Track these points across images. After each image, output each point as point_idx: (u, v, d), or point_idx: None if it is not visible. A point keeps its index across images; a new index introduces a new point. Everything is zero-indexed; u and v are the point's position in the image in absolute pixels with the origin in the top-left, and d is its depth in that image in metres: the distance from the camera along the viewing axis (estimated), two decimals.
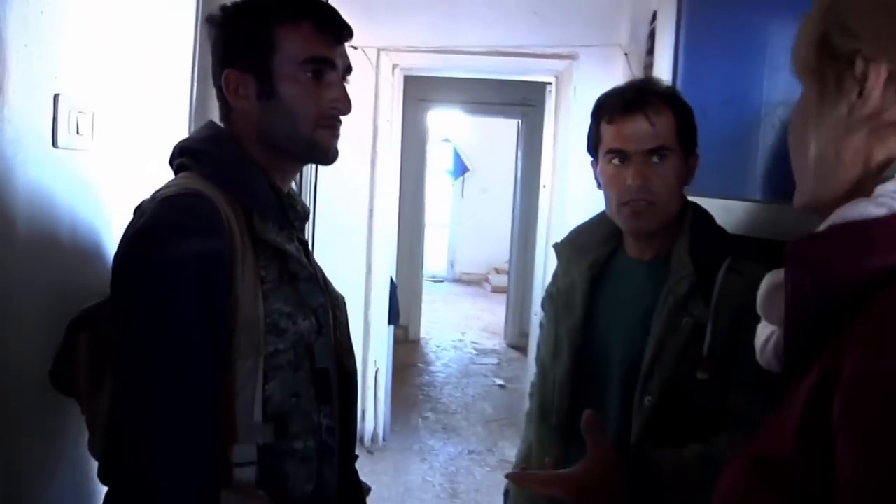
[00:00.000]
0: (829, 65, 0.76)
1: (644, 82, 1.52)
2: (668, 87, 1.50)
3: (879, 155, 0.73)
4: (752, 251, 1.40)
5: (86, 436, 1.32)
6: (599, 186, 1.53)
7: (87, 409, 1.29)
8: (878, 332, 0.63)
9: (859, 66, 0.72)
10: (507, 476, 1.36)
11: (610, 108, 1.46)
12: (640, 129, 1.41)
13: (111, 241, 1.55)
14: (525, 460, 1.70)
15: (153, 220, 1.11)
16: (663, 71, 2.02)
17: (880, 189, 0.70)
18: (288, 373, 1.20)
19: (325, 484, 1.26)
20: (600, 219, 1.60)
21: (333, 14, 1.26)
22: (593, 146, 1.52)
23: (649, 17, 3.11)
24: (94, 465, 1.36)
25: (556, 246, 1.67)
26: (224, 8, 1.26)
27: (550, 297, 1.63)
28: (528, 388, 2.03)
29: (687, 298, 1.37)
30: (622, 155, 1.44)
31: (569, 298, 1.56)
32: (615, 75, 3.86)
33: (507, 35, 4.01)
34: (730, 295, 1.33)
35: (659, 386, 1.37)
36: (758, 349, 0.86)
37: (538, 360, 1.69)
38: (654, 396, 1.37)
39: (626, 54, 3.87)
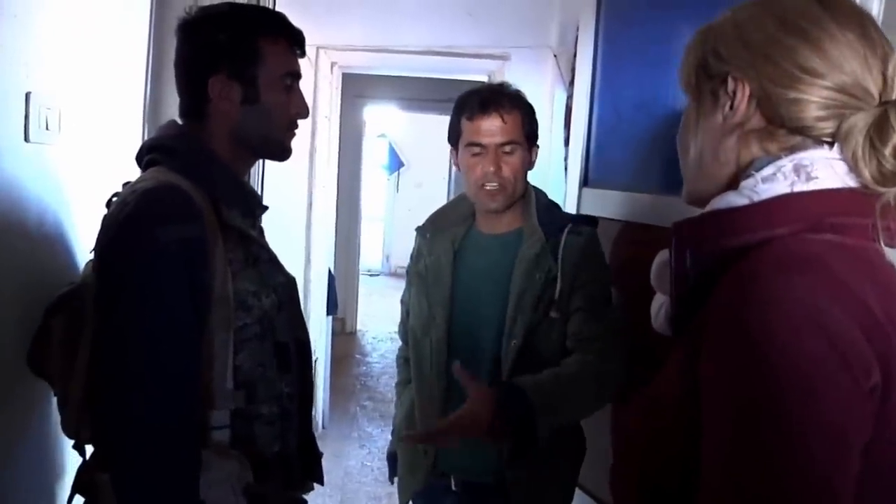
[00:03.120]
0: (707, 82, 0.93)
1: (498, 86, 1.82)
2: (516, 91, 1.81)
3: (745, 156, 0.91)
4: (583, 219, 1.84)
5: (54, 413, 1.42)
6: (458, 170, 1.84)
7: (60, 389, 1.39)
8: (725, 294, 0.81)
9: (730, 83, 0.89)
10: (406, 437, 1.64)
11: (470, 107, 1.74)
12: (494, 125, 1.72)
13: (74, 230, 1.66)
14: (408, 419, 1.93)
15: (138, 209, 1.23)
16: (583, 75, 2.20)
17: (743, 183, 0.88)
18: (255, 344, 1.34)
19: (288, 444, 1.42)
20: (455, 203, 1.94)
21: (300, 33, 1.42)
22: (454, 138, 1.82)
23: (577, 20, 3.28)
24: (62, 440, 1.47)
25: (419, 228, 1.94)
26: (201, 17, 1.36)
27: (419, 276, 1.89)
28: None
29: (539, 257, 1.71)
30: (479, 147, 1.74)
31: (437, 273, 1.83)
32: (545, 75, 4.03)
33: (442, 35, 4.13)
34: (573, 250, 1.71)
35: (521, 329, 1.70)
36: (652, 316, 1.03)
37: (405, 332, 1.98)
38: (519, 339, 1.70)
39: (555, 56, 4.03)
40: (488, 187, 1.74)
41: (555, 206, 1.85)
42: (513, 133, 1.73)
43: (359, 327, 7.62)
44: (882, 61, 0.83)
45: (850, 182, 0.83)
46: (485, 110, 1.72)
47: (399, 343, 2.11)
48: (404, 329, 1.99)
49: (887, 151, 0.79)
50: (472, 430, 1.49)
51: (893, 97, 0.82)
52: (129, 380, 1.20)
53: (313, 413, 4.52)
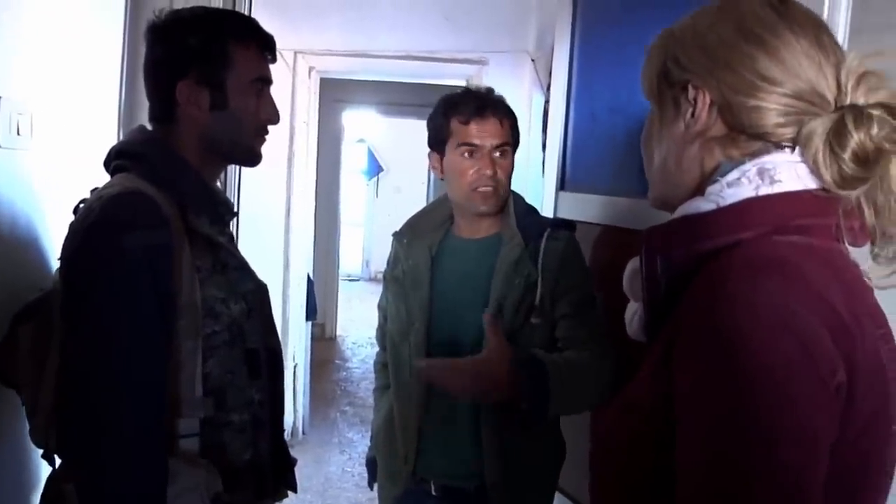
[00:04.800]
0: (668, 89, 0.95)
1: (488, 90, 1.82)
2: (502, 97, 1.82)
3: (709, 163, 0.92)
4: (561, 223, 1.83)
5: (24, 423, 1.40)
6: (438, 174, 1.83)
7: (29, 397, 1.36)
8: (696, 298, 0.82)
9: (691, 91, 0.91)
10: (422, 372, 1.61)
11: (464, 109, 1.74)
12: (491, 128, 1.73)
13: (48, 236, 1.64)
14: (386, 424, 1.91)
15: (103, 215, 1.21)
16: (559, 79, 2.21)
17: (709, 189, 0.89)
18: (224, 351, 1.33)
19: (259, 452, 1.40)
20: (432, 207, 1.93)
21: (271, 38, 1.41)
22: (440, 141, 1.80)
23: (554, 24, 3.30)
24: (33, 450, 1.44)
25: (396, 233, 1.92)
26: (171, 21, 1.35)
27: (396, 281, 1.88)
28: None
29: (518, 262, 1.72)
30: (474, 148, 1.73)
31: (415, 278, 1.82)
32: (523, 80, 4.06)
33: (420, 40, 4.15)
34: (553, 255, 1.71)
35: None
36: (627, 323, 1.04)
37: (382, 337, 1.97)
38: None
39: (533, 60, 4.06)
40: (482, 189, 1.73)
41: (533, 211, 1.85)
42: (506, 136, 1.75)
43: (339, 332, 7.59)
44: (835, 67, 0.84)
45: (811, 184, 0.84)
46: (483, 113, 1.73)
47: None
48: (382, 334, 1.98)
49: (846, 156, 0.80)
50: (486, 379, 1.49)
51: (847, 102, 0.83)
52: (96, 388, 1.19)
53: (293, 419, 4.57)
